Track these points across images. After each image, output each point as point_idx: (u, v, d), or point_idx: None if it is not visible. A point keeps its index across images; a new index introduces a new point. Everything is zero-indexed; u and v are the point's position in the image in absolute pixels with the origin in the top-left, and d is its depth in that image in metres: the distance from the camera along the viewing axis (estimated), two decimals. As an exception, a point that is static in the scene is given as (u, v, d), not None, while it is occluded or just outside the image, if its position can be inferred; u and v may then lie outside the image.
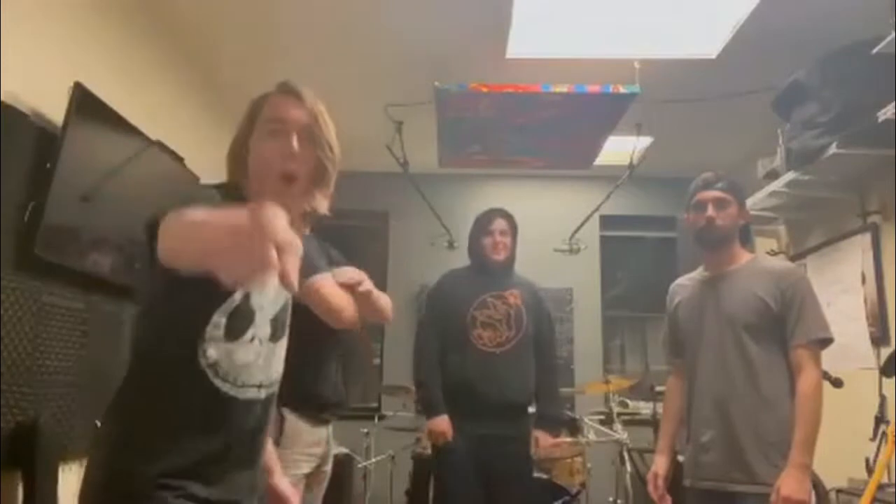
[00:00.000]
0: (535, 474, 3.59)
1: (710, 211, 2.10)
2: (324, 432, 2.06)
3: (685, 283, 2.28)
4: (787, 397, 1.96)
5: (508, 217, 2.97)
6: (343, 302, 1.93)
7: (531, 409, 2.99)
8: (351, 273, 1.93)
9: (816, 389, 1.92)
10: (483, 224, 2.96)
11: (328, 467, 2.14)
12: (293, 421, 1.93)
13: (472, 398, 2.76)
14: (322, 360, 2.00)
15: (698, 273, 2.26)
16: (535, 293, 3.00)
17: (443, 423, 2.76)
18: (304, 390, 1.98)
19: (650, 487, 2.20)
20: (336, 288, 1.96)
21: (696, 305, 2.17)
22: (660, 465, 2.21)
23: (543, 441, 2.90)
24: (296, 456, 1.93)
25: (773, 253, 4.29)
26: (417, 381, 2.90)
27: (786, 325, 1.99)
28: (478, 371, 2.78)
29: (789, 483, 1.82)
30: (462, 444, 2.74)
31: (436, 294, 3.02)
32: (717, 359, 2.06)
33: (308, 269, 1.90)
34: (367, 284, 1.94)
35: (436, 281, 3.08)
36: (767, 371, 1.99)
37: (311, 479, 2.02)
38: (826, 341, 1.99)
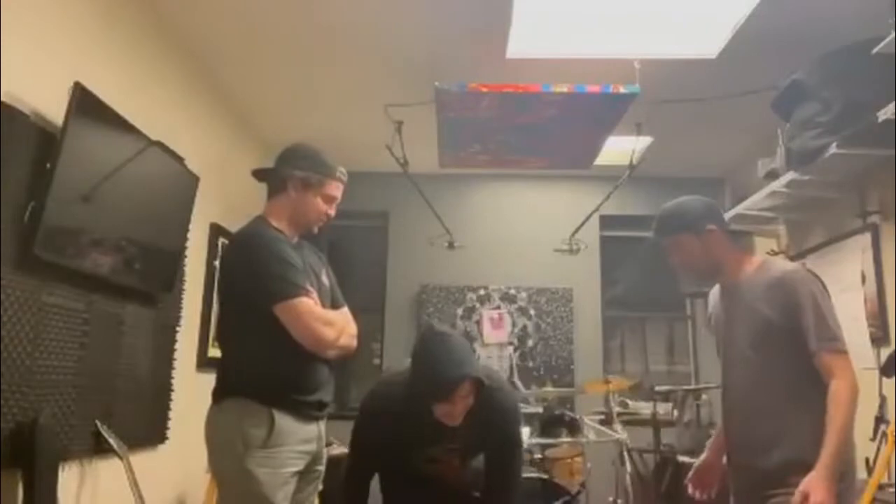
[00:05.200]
0: (535, 474, 3.60)
1: (673, 260, 2.09)
2: (314, 429, 2.05)
3: (716, 293, 2.21)
4: (806, 413, 1.85)
5: (474, 379, 2.02)
6: (319, 327, 1.96)
7: None
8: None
9: (850, 395, 1.79)
10: (441, 391, 1.99)
11: (321, 466, 2.14)
12: (283, 419, 1.93)
13: None
14: (312, 359, 2.00)
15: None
16: (498, 426, 2.19)
17: None
18: (294, 389, 1.99)
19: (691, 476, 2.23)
20: (316, 309, 1.98)
21: (718, 320, 2.15)
22: (702, 458, 2.24)
23: None
24: (286, 453, 1.93)
25: (773, 253, 4.29)
26: None
27: (802, 333, 1.87)
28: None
29: (820, 490, 1.72)
30: None
31: (367, 447, 2.21)
32: (732, 374, 2.04)
33: (284, 289, 1.92)
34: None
35: (364, 418, 2.21)
36: (781, 389, 1.91)
37: (303, 479, 2.02)
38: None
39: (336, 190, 2.16)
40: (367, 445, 2.21)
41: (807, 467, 1.77)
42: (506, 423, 2.21)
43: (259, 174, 2.21)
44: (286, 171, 2.11)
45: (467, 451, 2.25)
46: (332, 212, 2.17)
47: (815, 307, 1.87)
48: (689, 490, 2.23)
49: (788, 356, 1.90)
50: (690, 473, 2.24)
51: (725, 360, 2.08)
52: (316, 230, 2.17)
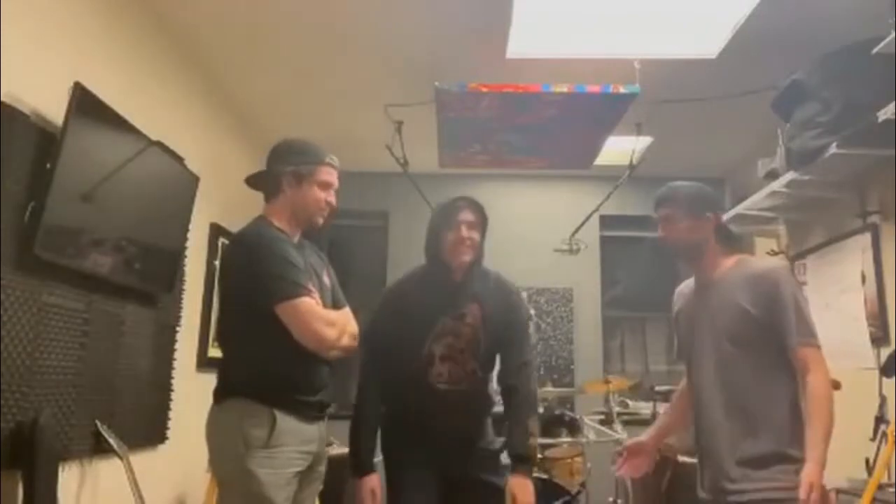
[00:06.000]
0: (535, 474, 3.60)
1: (660, 231, 2.13)
2: (315, 430, 2.05)
3: (684, 291, 2.24)
4: (779, 407, 1.90)
5: (477, 207, 2.36)
6: (321, 327, 1.95)
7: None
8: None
9: (829, 389, 1.85)
10: (446, 215, 2.33)
11: (322, 468, 2.14)
12: (285, 419, 1.92)
13: (431, 442, 2.29)
14: (314, 360, 2.00)
15: (692, 281, 2.23)
16: (500, 294, 2.42)
17: (366, 487, 2.24)
18: (296, 390, 1.99)
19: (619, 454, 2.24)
20: (318, 309, 1.97)
21: (690, 316, 2.15)
22: (636, 439, 2.27)
23: (522, 496, 2.22)
24: (288, 454, 1.93)
25: (773, 253, 4.29)
26: (350, 432, 2.31)
27: (780, 329, 1.90)
28: (438, 415, 2.29)
29: (818, 482, 1.76)
30: (423, 468, 2.29)
31: (383, 321, 2.35)
32: (708, 372, 2.02)
33: (286, 288, 1.92)
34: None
35: (380, 302, 2.43)
36: (756, 383, 1.93)
37: (304, 479, 2.02)
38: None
39: (329, 175, 2.13)
40: (383, 330, 2.33)
41: (781, 459, 1.84)
42: (506, 293, 2.43)
43: (253, 180, 2.19)
44: (278, 170, 2.10)
45: (477, 323, 2.33)
46: (332, 199, 2.15)
47: (796, 303, 1.90)
48: (616, 468, 2.24)
49: (765, 350, 1.93)
50: (621, 449, 2.25)
51: (697, 356, 2.07)
52: (320, 221, 2.14)
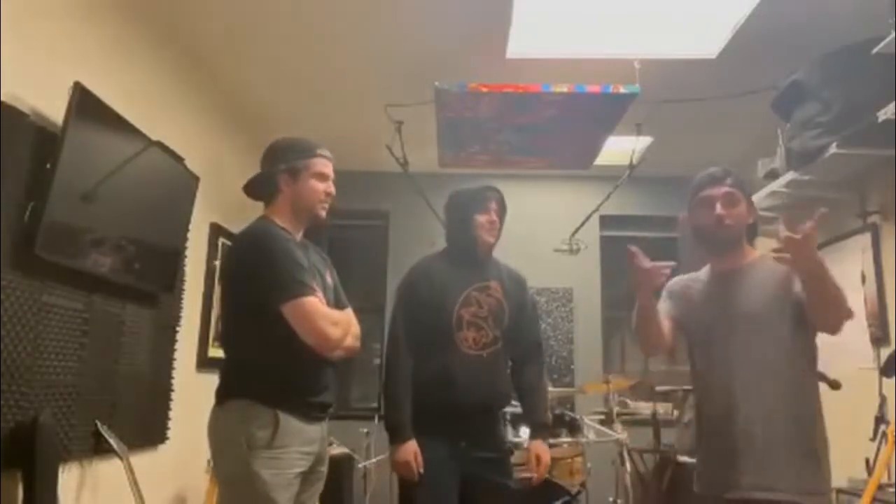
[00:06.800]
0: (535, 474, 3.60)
1: (720, 209, 1.93)
2: (318, 431, 2.05)
3: (689, 284, 2.11)
4: (810, 404, 1.85)
5: (502, 197, 2.66)
6: (326, 326, 1.94)
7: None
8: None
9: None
10: (479, 200, 2.57)
11: (324, 468, 2.13)
12: (288, 420, 1.92)
13: (455, 407, 2.41)
14: (317, 361, 2.00)
15: (704, 273, 2.09)
16: (515, 280, 2.67)
17: (409, 451, 2.35)
18: (299, 391, 1.98)
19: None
20: (323, 308, 1.97)
21: (706, 306, 2.01)
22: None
23: (545, 457, 2.53)
24: (291, 455, 1.93)
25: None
26: (385, 399, 2.47)
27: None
28: (462, 377, 2.41)
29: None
30: (442, 452, 2.40)
31: (412, 291, 2.53)
32: (735, 362, 1.90)
33: (291, 287, 1.91)
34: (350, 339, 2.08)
35: (408, 273, 2.62)
36: (790, 372, 1.85)
37: (306, 480, 2.02)
38: None
39: (324, 166, 2.13)
40: (414, 297, 2.52)
41: (809, 456, 1.79)
42: (520, 280, 2.70)
43: (250, 187, 2.16)
44: (273, 170, 2.10)
45: (499, 295, 2.56)
46: (331, 189, 2.15)
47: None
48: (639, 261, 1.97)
49: (802, 340, 1.87)
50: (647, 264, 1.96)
51: (721, 344, 1.94)
52: (323, 213, 2.14)
